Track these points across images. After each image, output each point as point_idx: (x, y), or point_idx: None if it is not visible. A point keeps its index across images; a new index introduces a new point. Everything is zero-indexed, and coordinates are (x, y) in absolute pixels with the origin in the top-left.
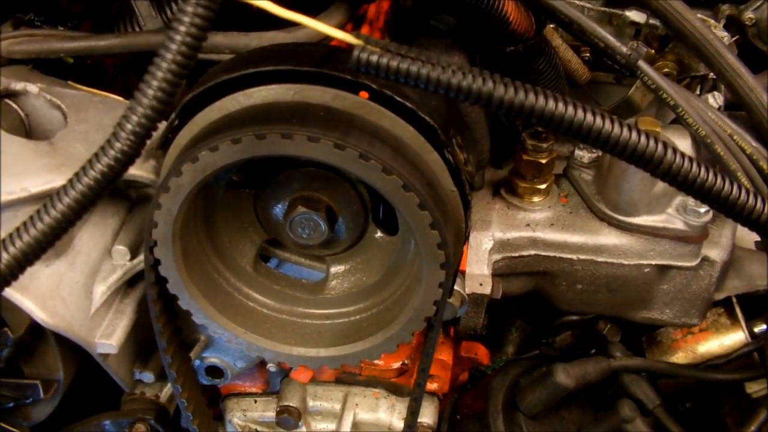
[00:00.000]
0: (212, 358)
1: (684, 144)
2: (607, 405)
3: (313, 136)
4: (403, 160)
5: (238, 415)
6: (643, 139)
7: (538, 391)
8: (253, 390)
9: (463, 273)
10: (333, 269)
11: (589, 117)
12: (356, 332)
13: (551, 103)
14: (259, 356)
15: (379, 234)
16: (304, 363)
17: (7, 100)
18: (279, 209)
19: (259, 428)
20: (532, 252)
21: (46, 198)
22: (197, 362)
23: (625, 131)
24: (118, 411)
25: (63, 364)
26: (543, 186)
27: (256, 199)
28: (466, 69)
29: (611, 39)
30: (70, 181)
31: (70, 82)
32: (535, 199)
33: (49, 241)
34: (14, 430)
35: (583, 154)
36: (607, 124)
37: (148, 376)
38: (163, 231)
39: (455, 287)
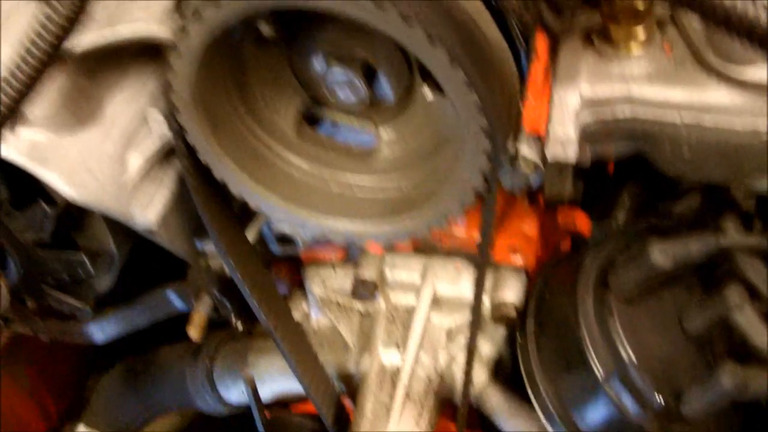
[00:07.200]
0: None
1: None
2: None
3: None
4: (428, 3)
5: (317, 283)
6: None
7: (632, 270)
8: (332, 258)
9: (540, 136)
10: (384, 136)
11: None
12: (406, 205)
13: None
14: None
15: (429, 94)
16: (350, 237)
17: None
18: (315, 67)
19: (339, 299)
20: (627, 109)
21: None
22: (266, 230)
23: None
24: (181, 281)
25: (113, 237)
26: (642, 31)
27: (291, 56)
28: None
29: None
30: None
31: None
32: (633, 46)
33: None
34: (75, 302)
35: None
36: None
37: (210, 247)
38: (182, 96)
39: (525, 153)
